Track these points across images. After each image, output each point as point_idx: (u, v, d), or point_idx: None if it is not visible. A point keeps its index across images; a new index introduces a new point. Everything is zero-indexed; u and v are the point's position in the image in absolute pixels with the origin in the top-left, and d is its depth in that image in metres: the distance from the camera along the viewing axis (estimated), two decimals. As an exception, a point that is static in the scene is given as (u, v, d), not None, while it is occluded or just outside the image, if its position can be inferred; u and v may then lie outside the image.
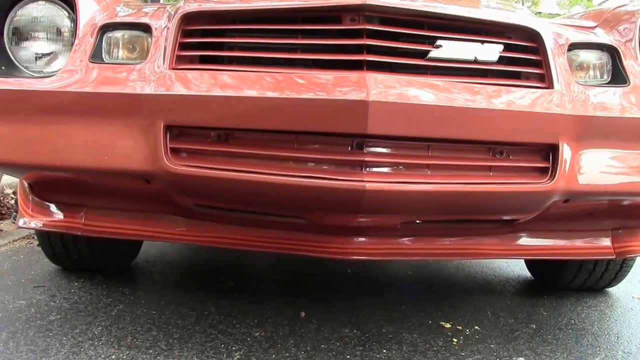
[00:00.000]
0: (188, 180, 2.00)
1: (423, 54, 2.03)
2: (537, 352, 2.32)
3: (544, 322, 2.68)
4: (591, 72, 2.26)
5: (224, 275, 3.15)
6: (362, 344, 2.30)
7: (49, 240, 2.89)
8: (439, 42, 2.03)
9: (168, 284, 3.04)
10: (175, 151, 2.00)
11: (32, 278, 2.96)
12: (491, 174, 2.07)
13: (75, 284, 2.86)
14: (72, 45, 2.17)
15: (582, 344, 2.44)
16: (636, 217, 2.44)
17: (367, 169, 1.95)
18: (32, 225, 2.59)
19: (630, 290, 3.28)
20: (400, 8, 2.03)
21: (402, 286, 3.28)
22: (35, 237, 3.77)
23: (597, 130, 2.07)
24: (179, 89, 1.96)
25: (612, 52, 2.26)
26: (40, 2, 2.20)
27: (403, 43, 2.04)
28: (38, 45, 2.22)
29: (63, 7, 2.21)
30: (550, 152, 2.05)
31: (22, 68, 2.19)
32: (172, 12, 2.13)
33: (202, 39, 2.09)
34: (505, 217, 2.30)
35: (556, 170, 2.03)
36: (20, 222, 2.62)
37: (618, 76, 2.22)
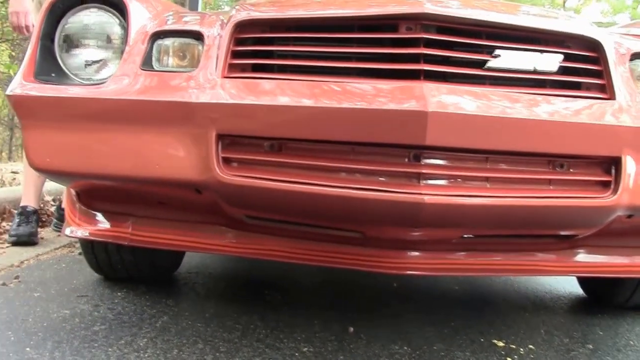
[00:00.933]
0: (240, 191, 1.97)
1: (481, 64, 2.00)
2: (596, 374, 2.26)
3: (600, 342, 2.59)
4: None
5: (268, 288, 3.10)
6: (413, 361, 2.24)
7: (93, 249, 2.85)
8: (497, 51, 1.99)
9: (211, 296, 2.99)
10: (227, 161, 1.97)
11: (75, 287, 2.93)
12: (551, 187, 2.02)
13: (119, 294, 2.83)
14: (122, 52, 2.16)
15: (643, 367, 2.37)
16: (701, 235, 2.36)
17: (425, 181, 1.91)
18: (79, 234, 2.57)
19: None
20: (458, 17, 2.00)
21: (451, 301, 3.21)
22: (76, 246, 3.78)
23: (663, 143, 2.00)
24: (232, 98, 1.93)
25: None
26: (92, 10, 2.20)
27: (461, 52, 2.00)
28: (88, 53, 2.21)
29: (114, 15, 2.21)
30: (612, 165, 2.00)
31: (72, 75, 2.19)
32: (225, 20, 2.11)
33: (255, 47, 2.07)
34: (564, 233, 2.23)
35: (619, 184, 1.97)
36: (67, 231, 2.60)
37: None
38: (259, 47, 2.08)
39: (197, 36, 2.14)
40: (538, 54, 2.04)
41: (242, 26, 2.06)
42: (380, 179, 1.92)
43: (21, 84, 2.13)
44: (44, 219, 4.61)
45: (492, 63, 1.99)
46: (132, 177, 2.08)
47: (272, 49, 2.08)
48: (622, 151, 1.97)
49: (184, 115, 1.97)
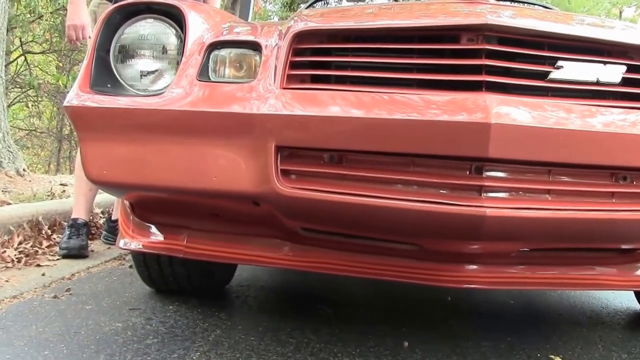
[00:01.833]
0: (299, 203, 1.96)
1: (543, 75, 1.97)
2: (657, 391, 2.21)
3: (660, 358, 2.54)
4: None
5: (321, 301, 3.08)
6: (470, 377, 2.21)
7: (145, 262, 2.85)
8: (559, 62, 1.97)
9: (264, 309, 2.98)
10: (285, 173, 1.96)
11: (127, 300, 2.93)
12: (614, 200, 1.99)
13: (171, 307, 2.82)
14: (177, 63, 2.16)
15: None
16: None
17: (486, 194, 1.89)
18: (132, 246, 2.57)
19: None
20: (520, 28, 1.97)
21: (505, 316, 3.17)
22: (126, 258, 3.80)
23: None
24: (291, 109, 1.92)
25: None
26: (148, 20, 2.21)
27: (523, 64, 1.98)
28: (144, 63, 2.22)
29: (171, 25, 2.21)
30: None
31: (127, 86, 2.19)
32: (283, 31, 2.10)
33: (314, 58, 2.06)
34: (626, 246, 2.20)
35: (683, 196, 1.93)
36: (121, 243, 2.61)
37: None
38: (318, 57, 2.07)
39: (255, 47, 2.13)
40: (601, 65, 2.01)
41: (300, 37, 2.05)
42: (442, 191, 1.90)
43: (77, 95, 2.14)
44: (93, 232, 4.63)
45: (555, 74, 1.96)
46: (188, 189, 2.08)
47: (330, 60, 2.07)
48: None
49: (242, 126, 1.97)
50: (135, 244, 2.56)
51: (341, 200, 1.91)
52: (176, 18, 2.20)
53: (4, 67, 7.02)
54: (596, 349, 2.58)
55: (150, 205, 2.43)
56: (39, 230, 4.25)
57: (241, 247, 2.37)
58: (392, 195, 1.89)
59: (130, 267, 3.50)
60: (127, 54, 2.21)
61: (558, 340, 2.66)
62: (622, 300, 3.49)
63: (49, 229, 4.34)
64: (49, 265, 3.63)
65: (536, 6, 4.13)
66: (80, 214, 4.07)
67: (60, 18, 13.14)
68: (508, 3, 3.07)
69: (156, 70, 2.21)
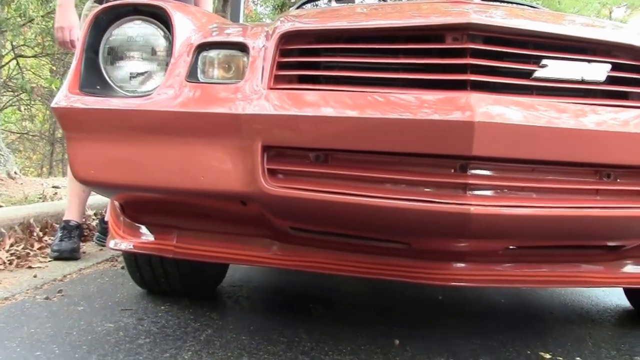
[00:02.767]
0: (286, 203, 1.97)
1: (527, 74, 1.99)
2: (644, 386, 2.23)
3: (648, 354, 2.57)
4: None
5: (312, 301, 3.11)
6: (459, 374, 2.23)
7: (136, 263, 2.86)
8: (544, 61, 1.98)
9: (256, 309, 3.00)
10: (272, 172, 1.97)
11: (119, 301, 2.95)
12: (598, 197, 2.00)
13: (162, 307, 2.84)
14: (166, 64, 2.17)
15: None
16: None
17: (471, 191, 1.90)
18: (123, 247, 2.58)
19: None
20: (505, 27, 1.98)
21: (496, 314, 3.19)
22: (119, 260, 3.81)
23: None
24: (278, 109, 1.93)
25: None
26: (136, 22, 2.22)
27: (508, 62, 1.99)
28: (133, 65, 2.22)
29: (159, 27, 2.22)
30: None
31: (117, 88, 2.20)
32: (270, 32, 2.11)
33: (300, 59, 2.07)
34: (611, 243, 2.22)
35: (667, 193, 1.95)
36: (111, 244, 2.62)
37: None
38: (305, 58, 2.08)
39: (242, 48, 2.14)
40: (586, 63, 2.03)
41: (287, 37, 2.06)
42: (427, 189, 1.91)
43: (66, 96, 2.14)
44: (85, 233, 4.63)
45: (540, 73, 1.98)
46: (176, 189, 2.09)
47: (317, 60, 2.08)
48: None
49: (229, 126, 1.98)
50: (126, 245, 2.57)
51: (327, 199, 1.92)
52: (163, 19, 2.21)
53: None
54: (586, 345, 2.61)
55: (139, 206, 2.44)
56: (30, 233, 4.26)
57: (231, 246, 2.39)
58: (379, 193, 1.90)
59: (122, 268, 3.51)
60: (116, 55, 2.22)
61: (549, 337, 2.69)
62: (612, 297, 3.52)
63: (40, 231, 4.36)
64: (40, 267, 3.64)
65: (524, 6, 4.15)
66: (72, 216, 4.08)
67: (52, 22, 13.14)
68: (495, 3, 3.08)
69: (145, 72, 2.22)
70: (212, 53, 2.17)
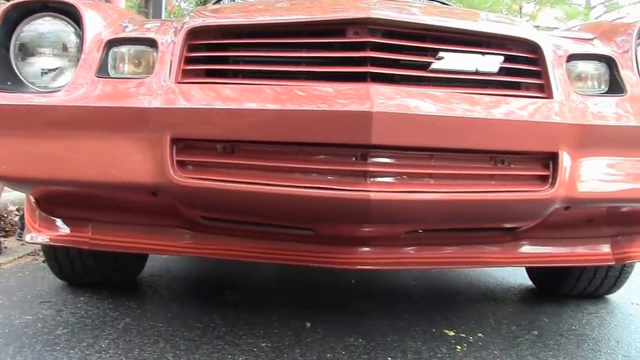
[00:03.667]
0: (194, 193, 2.03)
1: (425, 66, 2.07)
2: (540, 358, 2.34)
3: (545, 328, 2.70)
4: (589, 82, 2.29)
5: (230, 288, 3.17)
6: (367, 352, 2.31)
7: (55, 256, 2.89)
8: (440, 54, 2.07)
9: (174, 298, 3.05)
10: (181, 164, 2.02)
11: (38, 294, 2.97)
12: (493, 182, 2.10)
13: (82, 298, 2.87)
14: (77, 60, 2.19)
15: (583, 349, 2.47)
16: (635, 224, 2.47)
17: (371, 179, 1.98)
18: (39, 240, 2.61)
19: (629, 296, 3.30)
20: (403, 21, 2.07)
21: (407, 296, 3.30)
22: (40, 254, 3.78)
23: (595, 139, 2.10)
24: (185, 103, 1.98)
25: (610, 62, 2.29)
26: (46, 18, 2.23)
27: (406, 55, 2.07)
28: (44, 61, 2.24)
29: (69, 23, 2.24)
30: (550, 160, 2.08)
31: (28, 84, 2.21)
32: (178, 27, 2.16)
33: (207, 53, 2.12)
34: (507, 225, 2.33)
35: (556, 178, 2.06)
36: (27, 238, 2.64)
37: (615, 86, 2.26)
38: (212, 53, 2.13)
39: (152, 43, 2.18)
40: (480, 55, 2.12)
41: (194, 33, 2.11)
42: (329, 177, 1.99)
43: None
44: (7, 229, 4.61)
45: (436, 65, 2.06)
46: (88, 183, 2.12)
47: (224, 55, 2.13)
48: (559, 147, 2.05)
49: (137, 120, 2.02)
50: (42, 238, 2.59)
51: (234, 189, 1.99)
52: (73, 16, 2.23)
53: None
54: (488, 322, 2.74)
55: (54, 199, 2.46)
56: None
57: (145, 237, 2.43)
58: (283, 182, 1.97)
59: (44, 262, 3.49)
60: (27, 52, 2.23)
61: (453, 316, 2.81)
62: (516, 277, 3.67)
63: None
64: (-42, 264, 3.63)
65: (433, 2, 4.23)
66: (-12, 212, 4.06)
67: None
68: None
69: (57, 68, 2.24)
70: (123, 49, 2.21)
